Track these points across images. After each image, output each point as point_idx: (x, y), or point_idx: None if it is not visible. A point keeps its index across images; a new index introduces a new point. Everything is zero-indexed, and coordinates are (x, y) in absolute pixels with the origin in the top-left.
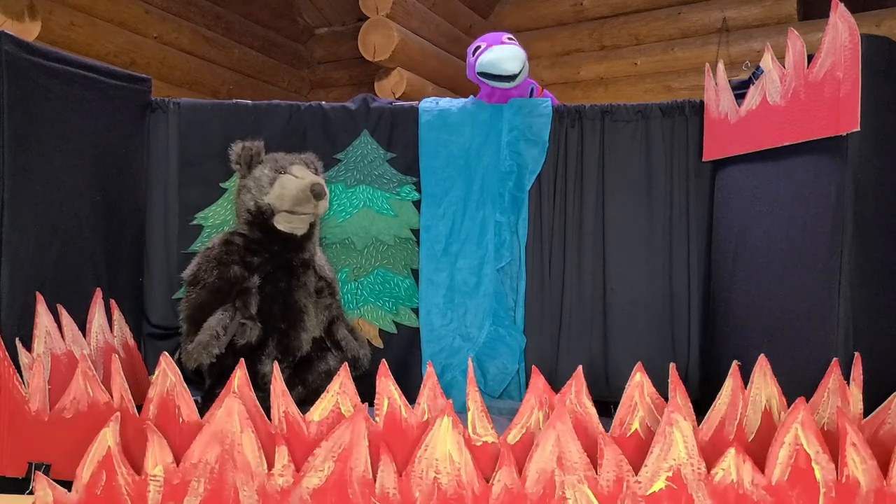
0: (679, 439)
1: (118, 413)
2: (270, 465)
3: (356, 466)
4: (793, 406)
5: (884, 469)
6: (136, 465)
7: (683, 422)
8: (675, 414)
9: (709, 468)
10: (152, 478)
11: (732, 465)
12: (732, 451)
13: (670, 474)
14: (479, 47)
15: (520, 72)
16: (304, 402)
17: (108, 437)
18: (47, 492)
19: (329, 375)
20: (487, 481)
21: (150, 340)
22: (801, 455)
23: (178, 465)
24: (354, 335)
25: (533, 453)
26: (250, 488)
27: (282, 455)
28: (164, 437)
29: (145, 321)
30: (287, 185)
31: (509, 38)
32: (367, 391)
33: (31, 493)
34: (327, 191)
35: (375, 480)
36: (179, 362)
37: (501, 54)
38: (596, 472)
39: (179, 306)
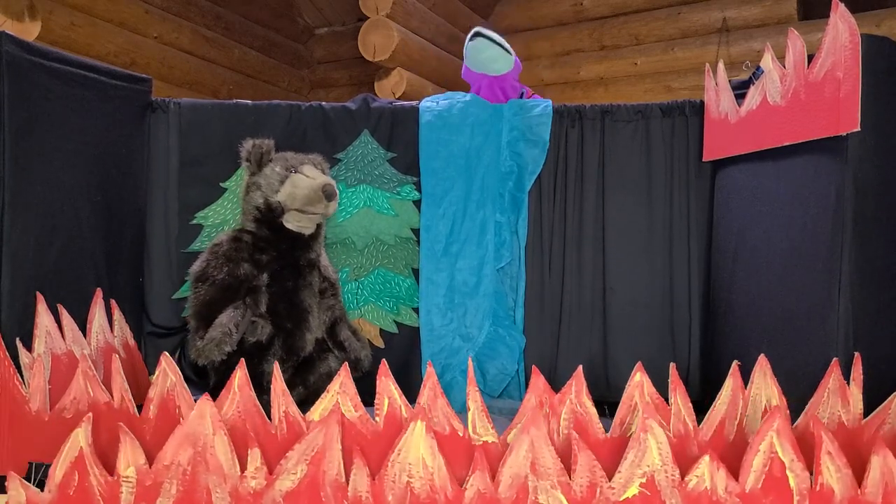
0: (653, 446)
1: (90, 414)
2: (272, 466)
3: (329, 470)
4: (769, 414)
5: (859, 477)
6: None
7: (658, 428)
8: (650, 420)
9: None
10: (125, 479)
11: (707, 472)
12: (707, 458)
13: (644, 480)
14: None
15: (493, 37)
16: (305, 403)
17: (81, 438)
18: (20, 491)
19: (330, 377)
20: (462, 486)
21: (151, 340)
22: (775, 463)
23: (150, 467)
24: (356, 336)
25: (506, 458)
26: (223, 490)
27: (254, 457)
28: (136, 439)
29: (146, 320)
30: (299, 184)
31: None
32: (368, 391)
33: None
34: (338, 192)
35: (348, 484)
36: (181, 360)
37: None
38: (570, 477)
39: (187, 303)
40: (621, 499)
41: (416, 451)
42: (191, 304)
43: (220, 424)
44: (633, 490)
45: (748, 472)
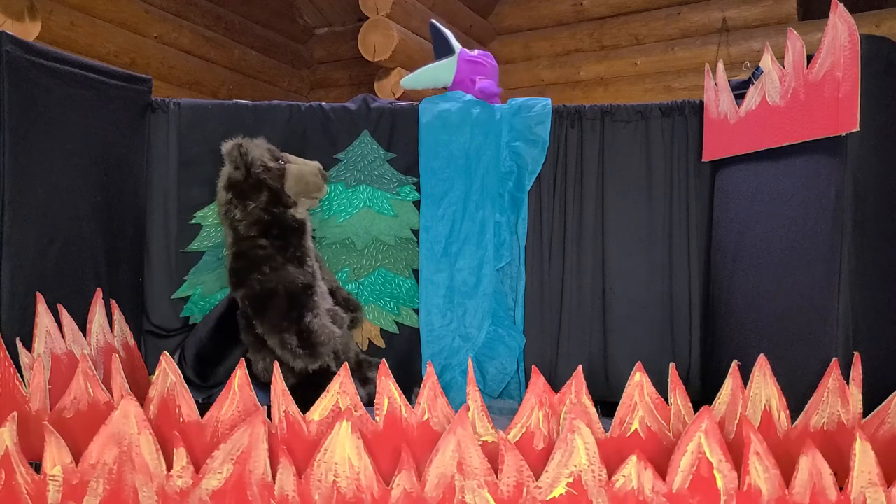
0: (581, 446)
1: (15, 413)
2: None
3: (255, 469)
4: (697, 414)
5: (787, 477)
6: None
7: (585, 429)
8: (577, 421)
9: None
10: (51, 478)
11: (633, 472)
12: (634, 458)
13: (571, 480)
14: None
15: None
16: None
17: (6, 437)
18: None
19: (345, 343)
20: (388, 485)
21: (150, 339)
22: (703, 463)
23: (76, 465)
24: (351, 295)
25: (433, 458)
26: (149, 489)
27: (180, 457)
28: (61, 437)
29: (146, 320)
30: (304, 172)
31: None
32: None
33: None
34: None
35: (275, 483)
36: (181, 361)
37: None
38: (496, 477)
39: (257, 324)
40: (548, 498)
41: (342, 451)
42: (264, 323)
43: (145, 424)
44: (559, 490)
45: (675, 472)
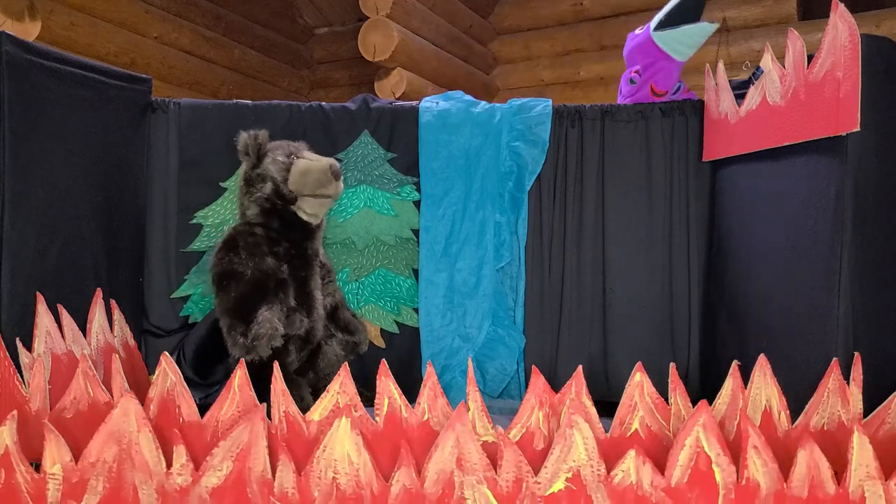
0: (579, 441)
1: (15, 412)
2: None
3: (255, 466)
4: (696, 408)
5: (786, 471)
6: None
7: (584, 424)
8: (576, 416)
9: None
10: (51, 476)
11: (632, 467)
12: (633, 452)
13: (570, 475)
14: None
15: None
16: (316, 388)
17: (6, 436)
18: None
19: (337, 360)
20: (388, 481)
21: (149, 339)
22: (701, 457)
23: (76, 464)
24: (356, 318)
25: (432, 454)
26: (149, 487)
27: (180, 454)
28: (60, 436)
29: (145, 320)
30: (307, 168)
31: None
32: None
33: None
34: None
35: (274, 480)
36: (180, 360)
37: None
38: (495, 472)
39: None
40: (547, 493)
41: (342, 448)
42: (221, 302)
43: (145, 422)
44: (559, 485)
45: (674, 467)
